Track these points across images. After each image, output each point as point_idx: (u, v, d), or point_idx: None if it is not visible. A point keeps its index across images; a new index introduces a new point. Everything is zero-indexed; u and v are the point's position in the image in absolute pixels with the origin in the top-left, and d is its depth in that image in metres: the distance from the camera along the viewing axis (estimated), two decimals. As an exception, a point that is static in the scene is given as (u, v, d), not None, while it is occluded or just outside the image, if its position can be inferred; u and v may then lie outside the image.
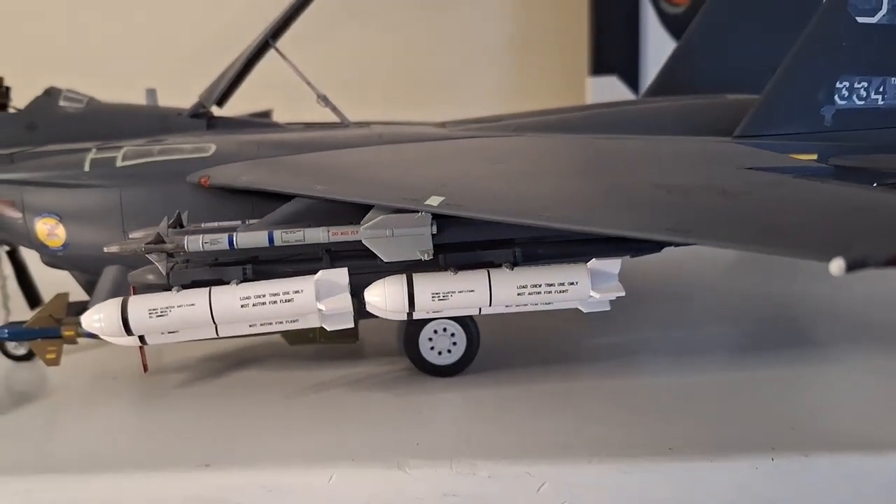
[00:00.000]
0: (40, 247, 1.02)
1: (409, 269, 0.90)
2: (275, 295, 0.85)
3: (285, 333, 0.98)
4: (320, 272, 0.87)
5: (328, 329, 0.91)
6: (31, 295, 1.25)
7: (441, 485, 0.79)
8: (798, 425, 0.86)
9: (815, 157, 1.06)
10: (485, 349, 1.03)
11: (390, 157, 0.97)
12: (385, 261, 0.87)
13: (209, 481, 0.81)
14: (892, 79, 1.07)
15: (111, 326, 0.85)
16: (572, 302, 0.90)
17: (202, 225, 0.92)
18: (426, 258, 0.87)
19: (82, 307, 1.00)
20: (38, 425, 0.94)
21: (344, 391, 0.99)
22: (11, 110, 1.14)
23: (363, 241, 0.86)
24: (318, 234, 0.86)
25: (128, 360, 1.05)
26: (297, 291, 0.85)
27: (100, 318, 0.85)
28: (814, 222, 0.61)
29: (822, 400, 0.93)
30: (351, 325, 0.91)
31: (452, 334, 1.00)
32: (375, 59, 2.09)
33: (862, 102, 1.07)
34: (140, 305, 0.85)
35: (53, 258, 1.04)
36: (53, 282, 1.15)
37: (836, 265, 0.51)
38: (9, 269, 1.21)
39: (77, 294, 1.10)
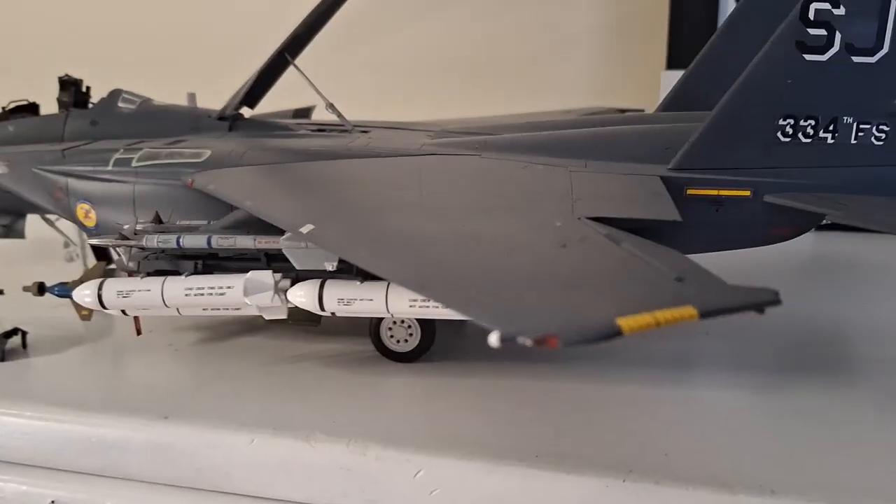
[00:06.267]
0: (81, 225, 1.27)
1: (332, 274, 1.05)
2: (211, 288, 1.03)
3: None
4: (250, 272, 1.04)
5: (266, 318, 1.08)
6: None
7: (338, 459, 0.92)
8: (675, 453, 0.89)
9: (748, 193, 1.06)
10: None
11: (327, 177, 1.10)
12: (298, 268, 1.02)
13: (164, 430, 0.98)
14: (846, 118, 1.04)
15: (93, 301, 1.08)
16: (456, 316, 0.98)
17: (177, 223, 1.12)
18: (331, 269, 1.01)
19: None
20: (40, 366, 1.16)
21: (309, 365, 1.14)
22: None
23: (283, 251, 1.02)
24: (247, 242, 1.03)
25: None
26: (229, 287, 1.03)
27: (86, 293, 1.08)
28: (532, 292, 0.67)
29: (722, 431, 0.94)
30: (284, 315, 1.08)
31: (409, 326, 1.14)
32: (458, 47, 2.20)
33: (808, 140, 1.05)
34: (112, 287, 1.07)
35: (92, 235, 1.28)
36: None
37: (494, 337, 0.58)
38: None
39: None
